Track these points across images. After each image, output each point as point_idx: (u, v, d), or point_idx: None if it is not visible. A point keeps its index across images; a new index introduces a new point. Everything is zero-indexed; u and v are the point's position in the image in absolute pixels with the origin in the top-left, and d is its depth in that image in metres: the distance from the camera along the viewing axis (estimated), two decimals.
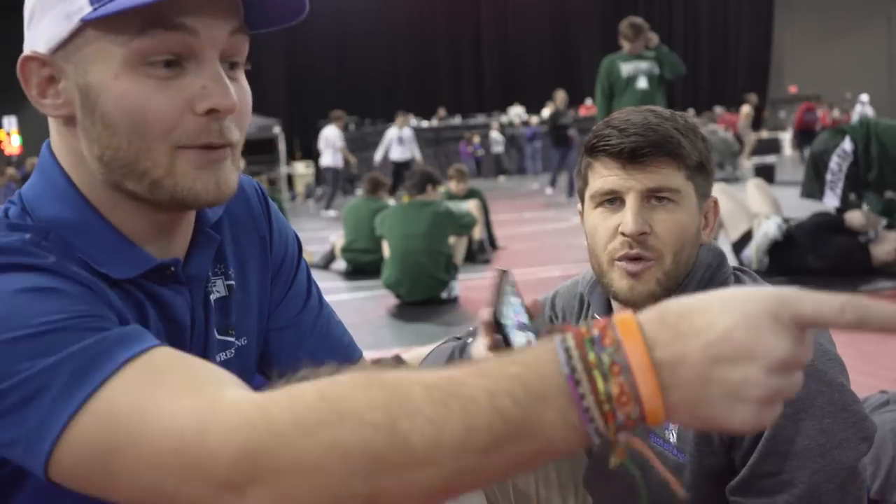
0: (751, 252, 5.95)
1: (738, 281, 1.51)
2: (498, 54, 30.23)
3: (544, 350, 0.73)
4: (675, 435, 1.47)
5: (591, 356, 0.70)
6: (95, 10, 0.92)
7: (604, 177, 1.48)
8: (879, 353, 3.95)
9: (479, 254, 8.10)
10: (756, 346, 0.69)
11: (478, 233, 7.95)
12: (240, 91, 1.00)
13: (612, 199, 1.47)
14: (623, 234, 1.46)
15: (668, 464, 1.49)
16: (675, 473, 1.49)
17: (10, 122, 21.09)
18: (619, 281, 1.49)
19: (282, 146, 22.35)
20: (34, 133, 22.77)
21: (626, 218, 1.46)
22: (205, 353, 1.13)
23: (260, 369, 1.31)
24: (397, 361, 4.04)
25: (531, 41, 29.88)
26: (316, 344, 1.32)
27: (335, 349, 1.34)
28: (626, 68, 7.78)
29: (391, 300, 6.36)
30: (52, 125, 1.03)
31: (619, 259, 1.47)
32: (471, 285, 6.74)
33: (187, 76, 0.96)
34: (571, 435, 0.72)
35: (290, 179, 22.99)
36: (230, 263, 1.18)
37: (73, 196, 1.01)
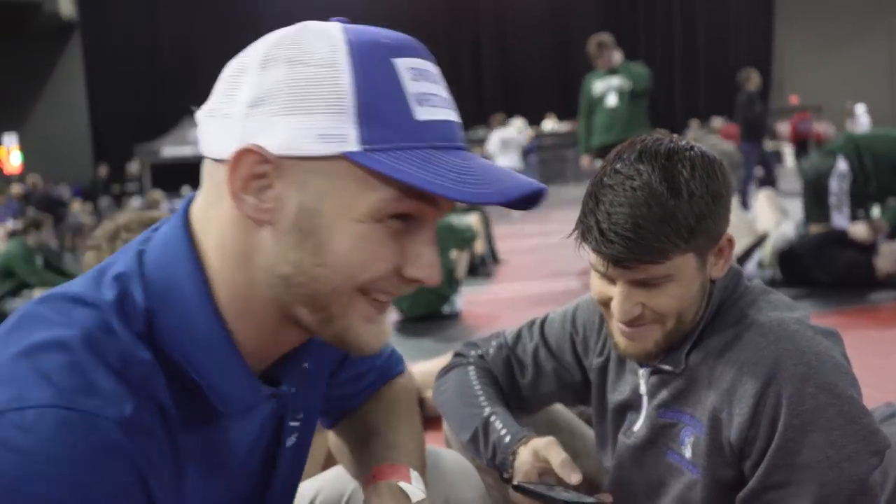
0: (762, 255, 5.95)
1: (754, 304, 1.49)
2: (498, 67, 30.32)
3: None
4: (689, 450, 1.47)
5: None
6: (366, 154, 0.89)
7: (593, 261, 1.47)
8: (885, 366, 3.93)
9: (480, 268, 8.08)
10: None
11: (479, 247, 7.94)
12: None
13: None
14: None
15: (684, 478, 1.48)
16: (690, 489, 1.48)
17: (11, 139, 21.13)
18: (617, 336, 1.52)
19: None
20: (35, 150, 22.86)
21: (615, 304, 1.46)
22: (278, 442, 1.12)
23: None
24: None
25: (531, 55, 29.96)
26: (368, 383, 1.37)
27: (378, 374, 1.39)
28: (598, 86, 7.81)
29: (392, 315, 6.34)
30: (221, 209, 0.95)
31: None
32: (473, 300, 6.72)
33: (409, 235, 0.95)
34: None
35: None
36: (311, 347, 1.13)
37: (208, 307, 0.95)
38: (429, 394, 3.78)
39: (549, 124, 26.10)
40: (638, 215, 1.36)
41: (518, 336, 1.87)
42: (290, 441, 1.14)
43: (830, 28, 28.43)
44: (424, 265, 0.96)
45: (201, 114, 0.97)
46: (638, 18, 29.68)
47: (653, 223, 1.35)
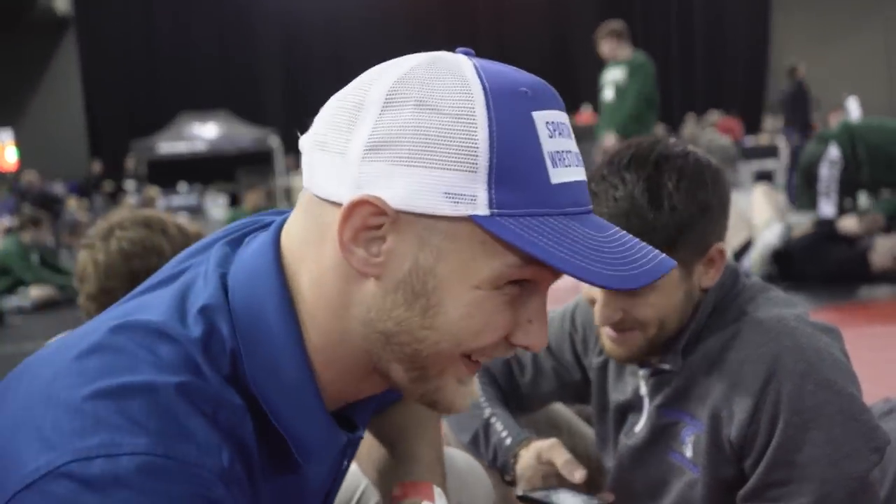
0: (750, 262, 5.94)
1: (753, 301, 1.49)
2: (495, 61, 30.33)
3: None
4: (690, 449, 1.47)
5: None
6: (492, 217, 0.82)
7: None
8: (882, 360, 3.93)
9: None
10: None
11: None
12: None
13: None
14: None
15: (685, 478, 1.48)
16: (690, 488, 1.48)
17: (6, 135, 21.10)
18: (603, 337, 1.52)
19: (279, 158, 22.34)
20: (31, 147, 22.82)
21: (596, 309, 1.46)
22: (337, 479, 1.10)
23: None
24: None
25: (528, 51, 29.95)
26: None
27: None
28: (603, 78, 7.59)
29: None
30: (322, 250, 0.89)
31: None
32: None
33: (522, 301, 0.89)
34: None
35: (288, 192, 23.01)
36: None
37: (299, 352, 0.89)
38: None
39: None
40: (616, 225, 1.34)
41: None
42: (347, 462, 1.12)
43: (827, 21, 28.43)
44: (534, 333, 0.90)
45: (307, 141, 0.91)
46: (635, 11, 29.68)
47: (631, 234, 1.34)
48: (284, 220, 0.95)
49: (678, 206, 1.36)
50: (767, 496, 1.36)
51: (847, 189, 5.99)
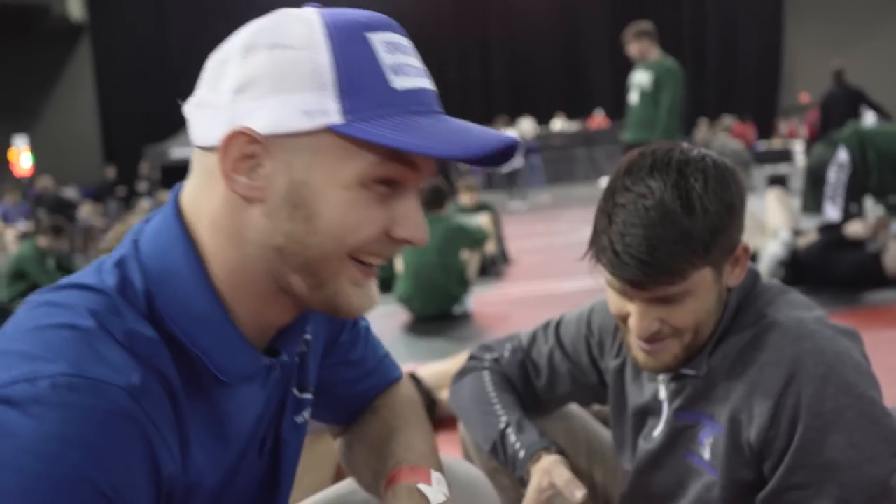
0: (762, 268, 5.91)
1: (772, 304, 1.48)
2: (506, 66, 30.28)
3: None
4: (708, 451, 1.46)
5: None
6: (348, 124, 0.94)
7: (608, 279, 1.47)
8: None
9: (491, 268, 8.08)
10: None
11: (490, 247, 7.93)
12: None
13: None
14: None
15: (703, 480, 1.48)
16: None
17: (21, 141, 21.20)
18: (635, 350, 1.51)
19: None
20: (45, 152, 22.93)
21: (633, 322, 1.45)
22: (283, 412, 1.16)
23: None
24: (412, 378, 4.05)
25: (540, 53, 29.92)
26: (367, 373, 1.37)
27: (382, 374, 1.40)
28: (631, 79, 7.41)
29: (404, 315, 6.34)
30: (212, 193, 1.00)
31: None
32: (484, 300, 6.72)
33: (395, 200, 1.00)
34: None
35: None
36: (308, 320, 1.18)
37: (204, 285, 1.00)
38: (442, 395, 3.78)
39: (559, 124, 26.05)
40: (652, 236, 1.34)
41: (533, 339, 1.86)
42: (301, 418, 1.20)
43: (840, 25, 28.33)
44: (412, 226, 1.01)
45: (189, 106, 1.01)
46: (647, 15, 29.58)
47: (668, 244, 1.34)
48: (181, 189, 1.06)
49: (710, 209, 1.35)
50: (787, 499, 1.36)
51: (853, 194, 5.94)
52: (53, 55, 25.18)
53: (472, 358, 1.93)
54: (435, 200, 6.30)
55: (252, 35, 0.97)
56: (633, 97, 7.29)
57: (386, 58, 0.97)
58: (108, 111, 26.93)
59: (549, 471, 1.59)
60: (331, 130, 0.94)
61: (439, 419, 3.72)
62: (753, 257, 6.05)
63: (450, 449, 3.19)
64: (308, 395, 1.21)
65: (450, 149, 0.94)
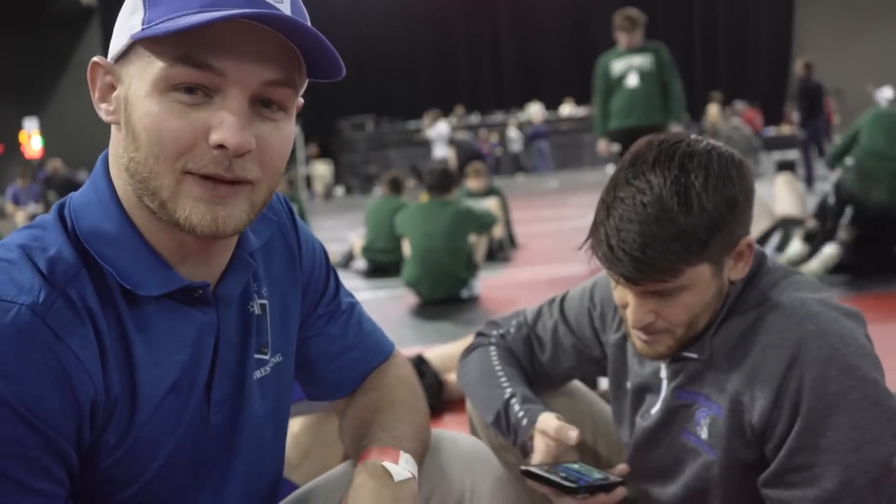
0: (771, 250, 5.89)
1: (776, 286, 1.48)
2: (516, 51, 30.16)
3: None
4: (706, 431, 1.47)
5: None
6: (143, 31, 0.99)
7: (606, 273, 1.49)
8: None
9: (498, 252, 8.09)
10: None
11: (498, 231, 7.94)
12: (269, 131, 1.04)
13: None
14: None
15: (700, 459, 1.49)
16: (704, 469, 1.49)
17: (32, 123, 21.23)
18: (634, 338, 1.53)
19: (300, 146, 22.37)
20: (55, 135, 22.95)
21: (628, 311, 1.48)
22: (242, 371, 1.18)
23: (297, 376, 1.36)
24: (419, 361, 4.06)
25: (550, 38, 29.79)
26: (347, 348, 1.39)
27: (365, 350, 1.41)
28: (617, 66, 7.36)
29: (411, 299, 6.36)
30: (112, 133, 1.08)
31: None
32: (491, 284, 6.73)
33: (212, 107, 1.00)
34: None
35: (308, 180, 23.05)
36: (262, 283, 1.22)
37: (114, 209, 1.06)
38: (449, 377, 3.80)
39: (567, 109, 25.98)
40: (647, 233, 1.36)
41: (538, 314, 1.88)
42: (261, 372, 1.21)
43: (850, 11, 28.15)
44: (225, 129, 0.98)
45: None
46: (658, 1, 29.45)
47: (662, 241, 1.35)
48: None
49: (707, 207, 1.35)
50: (789, 481, 1.36)
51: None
52: (63, 38, 25.15)
53: (479, 335, 1.95)
54: (443, 185, 6.30)
55: None
56: (632, 81, 7.23)
57: None
58: None
59: (543, 423, 1.62)
60: (137, 44, 1.00)
61: (446, 401, 3.74)
62: (762, 240, 6.05)
63: (457, 430, 3.22)
64: (265, 356, 1.22)
65: (189, 21, 0.95)
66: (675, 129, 7.02)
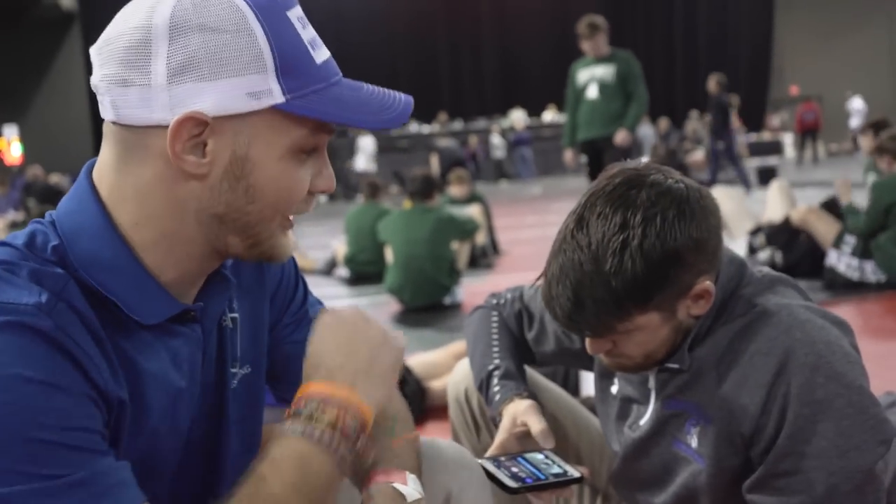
0: (759, 243, 5.92)
1: (762, 294, 1.47)
2: (499, 57, 30.26)
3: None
4: (696, 440, 1.48)
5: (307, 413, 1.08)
6: (287, 102, 1.02)
7: None
8: (886, 354, 3.94)
9: (481, 259, 8.09)
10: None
11: (481, 238, 7.94)
12: None
13: None
14: None
15: (690, 467, 1.49)
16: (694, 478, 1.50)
17: (11, 130, 21.14)
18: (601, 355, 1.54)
19: None
20: (35, 142, 22.84)
21: (587, 342, 1.50)
22: (222, 385, 1.21)
23: (268, 383, 1.36)
24: (402, 368, 4.03)
25: (532, 44, 29.91)
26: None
27: None
28: (581, 75, 7.36)
29: (394, 306, 6.35)
30: (138, 168, 1.04)
31: None
32: (474, 290, 6.72)
33: (311, 159, 1.10)
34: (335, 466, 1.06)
35: None
36: (234, 295, 1.23)
37: (112, 236, 1.05)
38: (432, 384, 3.79)
39: (550, 115, 26.06)
40: (579, 294, 1.38)
41: (535, 291, 1.90)
42: (234, 383, 1.23)
43: (831, 17, 28.39)
44: (327, 178, 1.12)
45: (101, 82, 1.04)
46: (638, 9, 29.59)
47: (593, 302, 1.37)
48: (94, 162, 1.11)
49: (642, 268, 1.34)
50: (774, 486, 1.37)
51: None
52: (44, 44, 25.07)
53: (492, 296, 2.02)
54: (425, 191, 6.30)
55: (174, 16, 0.99)
56: (592, 92, 7.22)
57: (303, 34, 1.05)
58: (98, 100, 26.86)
59: (523, 413, 1.68)
60: (273, 109, 1.02)
61: (430, 408, 3.74)
62: (752, 249, 6.07)
63: (440, 437, 3.21)
64: (234, 370, 1.24)
65: (377, 120, 1.08)
66: (622, 135, 7.08)
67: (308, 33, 1.06)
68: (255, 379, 1.28)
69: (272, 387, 1.39)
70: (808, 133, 21.50)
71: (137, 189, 1.05)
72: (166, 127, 1.00)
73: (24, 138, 22.04)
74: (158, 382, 1.09)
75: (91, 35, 27.11)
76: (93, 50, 1.06)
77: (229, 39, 0.99)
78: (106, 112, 1.04)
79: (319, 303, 1.43)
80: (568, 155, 7.83)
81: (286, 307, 1.36)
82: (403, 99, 1.12)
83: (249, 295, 1.27)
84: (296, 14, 1.06)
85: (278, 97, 1.02)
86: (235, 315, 1.24)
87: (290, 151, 1.05)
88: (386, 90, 1.13)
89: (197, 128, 1.00)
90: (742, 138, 20.29)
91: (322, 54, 1.07)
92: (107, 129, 1.06)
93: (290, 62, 1.02)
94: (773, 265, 5.62)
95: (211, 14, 0.99)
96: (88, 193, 1.07)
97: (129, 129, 1.03)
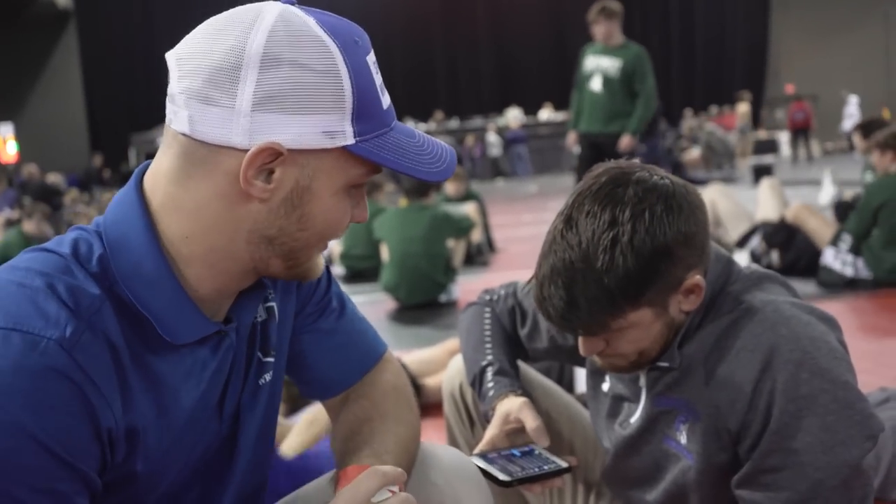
0: (745, 257, 5.92)
1: (748, 291, 1.48)
2: (495, 56, 30.21)
3: None
4: (685, 436, 1.49)
5: None
6: (356, 144, 1.07)
7: None
8: (879, 351, 3.95)
9: (477, 256, 8.09)
10: None
11: (476, 235, 7.94)
12: None
13: None
14: None
15: (680, 464, 1.50)
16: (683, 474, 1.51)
17: (7, 128, 21.09)
18: (594, 356, 1.55)
19: None
20: (30, 140, 22.78)
21: (579, 343, 1.51)
22: (252, 380, 1.24)
23: (288, 373, 1.39)
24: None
25: (528, 42, 29.87)
26: (337, 346, 1.40)
27: (356, 350, 1.43)
28: (588, 63, 7.07)
29: (390, 304, 6.35)
30: (200, 183, 1.07)
31: None
32: (469, 288, 6.72)
33: (354, 192, 1.15)
34: None
35: None
36: (269, 286, 1.26)
37: (155, 249, 1.08)
38: (427, 381, 3.80)
39: (546, 113, 26.05)
40: (571, 293, 1.39)
41: (529, 288, 1.90)
42: (263, 380, 1.26)
43: (826, 16, 28.37)
44: (362, 210, 1.17)
45: (181, 94, 1.05)
46: (634, 7, 29.56)
47: (586, 300, 1.38)
48: (146, 168, 1.14)
49: (634, 263, 1.35)
50: (761, 482, 1.37)
51: None
52: (39, 42, 24.99)
53: (479, 299, 2.03)
54: (420, 189, 6.30)
55: (268, 46, 1.02)
56: (595, 84, 6.97)
57: (377, 79, 1.10)
58: (94, 99, 26.79)
59: (518, 410, 1.69)
60: (342, 149, 1.07)
61: (425, 405, 3.74)
62: (742, 242, 6.09)
63: (434, 434, 3.22)
64: (270, 359, 1.27)
65: (430, 174, 1.13)
66: (625, 142, 6.90)
67: (379, 78, 1.11)
68: (280, 368, 1.32)
69: (290, 377, 1.40)
70: (799, 132, 21.56)
71: (197, 202, 1.07)
72: (240, 149, 1.03)
73: (20, 136, 21.99)
74: (185, 395, 1.12)
75: (86, 34, 27.07)
76: (170, 56, 1.07)
77: (318, 79, 1.03)
78: (179, 124, 1.05)
79: (342, 293, 1.44)
80: (570, 138, 7.61)
81: (311, 294, 1.37)
82: (449, 151, 1.18)
83: (280, 282, 1.30)
84: (371, 59, 1.11)
85: (349, 139, 1.06)
86: (272, 305, 1.28)
87: (344, 187, 1.10)
88: (432, 139, 1.18)
89: (271, 157, 1.04)
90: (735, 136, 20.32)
91: (387, 99, 1.12)
92: (173, 139, 1.07)
93: (364, 106, 1.07)
94: (770, 265, 5.65)
95: (304, 51, 1.03)
96: (136, 204, 1.09)
97: (201, 145, 1.05)
